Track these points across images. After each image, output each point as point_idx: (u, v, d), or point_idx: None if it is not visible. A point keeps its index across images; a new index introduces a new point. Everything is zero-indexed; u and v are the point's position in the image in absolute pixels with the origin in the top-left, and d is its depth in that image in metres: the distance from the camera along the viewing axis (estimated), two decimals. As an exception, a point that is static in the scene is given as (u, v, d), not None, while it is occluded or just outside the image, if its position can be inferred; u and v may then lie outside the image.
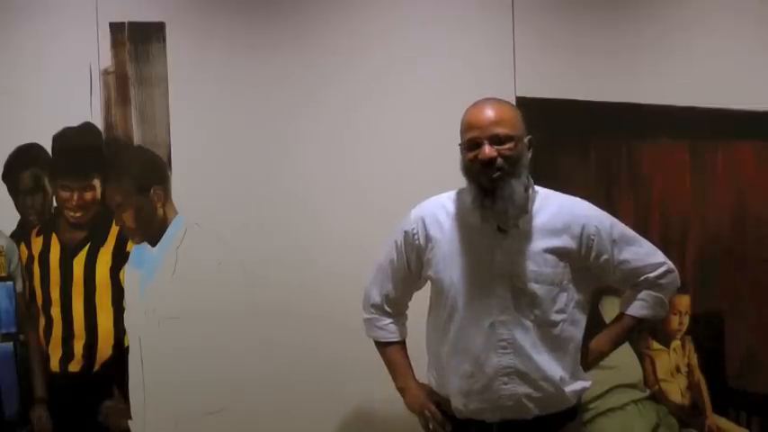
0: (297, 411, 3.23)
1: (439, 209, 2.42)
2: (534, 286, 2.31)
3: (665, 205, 3.49)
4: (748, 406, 3.56)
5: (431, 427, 2.45)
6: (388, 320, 2.55)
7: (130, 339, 3.26)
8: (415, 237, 2.42)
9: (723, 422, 3.54)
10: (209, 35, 3.29)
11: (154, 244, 3.29)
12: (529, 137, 2.36)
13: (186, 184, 3.27)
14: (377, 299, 2.54)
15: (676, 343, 3.52)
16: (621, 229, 2.45)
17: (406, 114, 3.31)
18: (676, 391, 3.51)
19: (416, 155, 3.22)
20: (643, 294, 2.48)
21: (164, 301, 3.24)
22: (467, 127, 2.30)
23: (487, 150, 2.23)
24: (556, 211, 2.36)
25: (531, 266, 2.31)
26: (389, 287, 2.52)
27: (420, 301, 2.57)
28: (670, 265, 2.50)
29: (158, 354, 3.22)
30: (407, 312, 2.62)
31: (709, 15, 3.51)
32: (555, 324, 2.34)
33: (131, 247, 3.29)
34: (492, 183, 2.23)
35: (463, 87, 3.34)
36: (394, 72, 3.33)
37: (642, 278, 2.46)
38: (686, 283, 3.51)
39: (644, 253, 2.47)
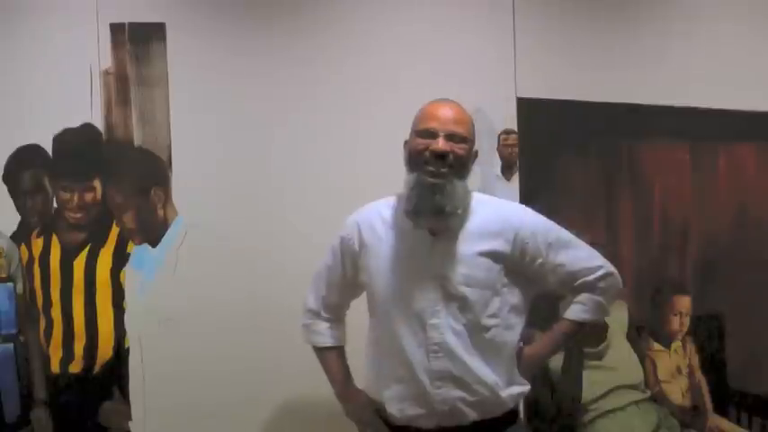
0: (297, 411, 3.23)
1: (374, 214, 2.42)
2: (466, 290, 2.28)
3: (665, 205, 3.49)
4: (749, 407, 3.56)
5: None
6: (325, 325, 2.54)
7: (131, 340, 3.26)
8: (351, 242, 2.42)
9: (724, 423, 3.54)
10: (209, 35, 3.30)
11: (154, 245, 3.28)
12: (476, 149, 2.38)
13: (186, 185, 3.27)
14: (313, 304, 2.54)
15: (677, 344, 3.52)
16: (558, 232, 2.41)
17: (406, 115, 3.30)
18: (677, 391, 3.51)
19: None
20: (582, 297, 2.42)
21: (164, 301, 3.24)
22: (426, 116, 2.31)
23: (442, 143, 2.24)
24: (490, 215, 2.35)
25: (462, 270, 2.29)
26: (326, 292, 2.52)
27: (362, 309, 2.54)
28: (610, 268, 2.43)
29: (159, 354, 3.22)
30: (352, 321, 2.60)
31: (709, 16, 3.52)
32: (487, 329, 2.31)
33: (132, 247, 3.28)
34: (436, 177, 2.23)
35: (463, 88, 3.34)
36: (394, 72, 3.33)
37: (580, 281, 2.40)
38: (687, 284, 3.52)
39: (581, 256, 2.41)
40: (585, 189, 3.44)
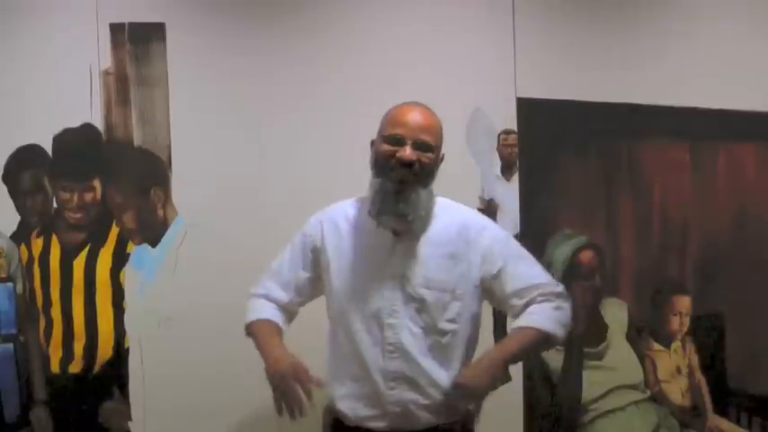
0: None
1: (338, 213, 2.41)
2: (424, 291, 2.27)
3: (665, 205, 3.49)
4: (749, 407, 3.55)
5: (283, 404, 2.28)
6: (270, 305, 2.47)
7: (131, 340, 3.26)
8: (313, 240, 2.41)
9: (724, 423, 3.53)
10: (209, 35, 3.30)
11: (154, 245, 3.29)
12: (443, 153, 2.35)
13: (186, 185, 3.27)
14: (263, 290, 2.49)
15: (677, 344, 3.52)
16: (518, 245, 2.40)
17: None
18: (677, 392, 3.51)
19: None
20: (542, 308, 2.32)
21: (164, 301, 3.24)
22: (394, 122, 2.28)
23: (409, 152, 2.21)
24: (453, 220, 2.34)
25: (422, 271, 2.28)
26: (278, 286, 2.47)
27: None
28: (566, 294, 2.38)
29: (158, 354, 3.23)
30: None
31: (709, 16, 3.51)
32: (444, 333, 2.29)
33: (131, 248, 3.29)
34: (400, 184, 2.21)
35: (463, 88, 3.36)
36: (394, 72, 3.33)
37: (539, 293, 2.32)
38: (687, 284, 3.52)
39: (540, 272, 2.38)
40: (585, 189, 3.44)
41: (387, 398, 2.27)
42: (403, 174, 2.21)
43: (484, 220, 2.42)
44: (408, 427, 2.28)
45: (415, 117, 2.26)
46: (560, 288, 2.37)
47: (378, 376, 2.27)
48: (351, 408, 2.32)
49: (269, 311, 2.46)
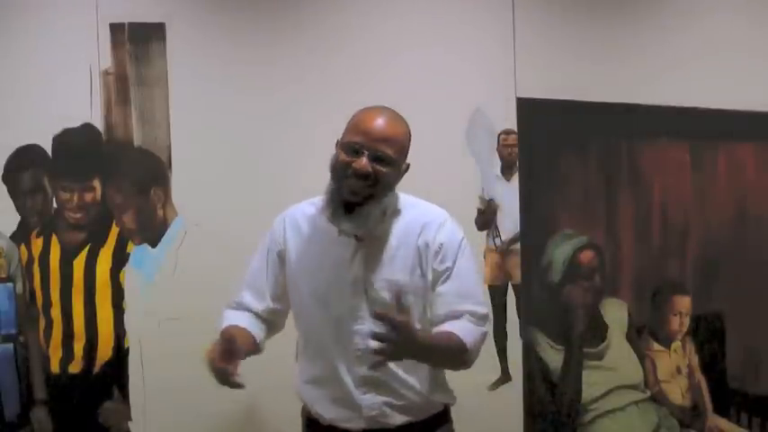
0: (297, 412, 3.23)
1: (300, 213, 2.33)
2: (387, 294, 2.17)
3: (665, 205, 3.49)
4: (749, 407, 3.55)
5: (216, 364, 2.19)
6: (244, 314, 2.35)
7: (131, 340, 3.26)
8: (278, 242, 2.33)
9: (724, 423, 3.54)
10: (208, 35, 3.30)
11: (154, 245, 3.29)
12: (408, 163, 2.24)
13: (186, 185, 3.27)
14: (237, 299, 2.39)
15: (677, 344, 3.52)
16: (469, 253, 2.25)
17: (408, 115, 3.30)
18: (677, 392, 3.51)
19: (416, 154, 3.21)
20: (466, 322, 2.19)
21: (164, 302, 3.24)
22: (354, 129, 2.16)
23: (364, 163, 2.10)
24: (414, 220, 2.24)
25: (384, 275, 2.20)
26: (253, 292, 2.37)
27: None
28: (488, 318, 2.26)
29: (158, 355, 3.22)
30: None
31: (709, 16, 3.51)
32: None
33: (131, 247, 3.29)
34: (354, 193, 2.12)
35: (463, 88, 3.36)
36: (394, 73, 3.33)
37: (468, 311, 2.19)
38: (686, 284, 3.52)
39: (477, 289, 2.26)
40: (585, 189, 3.44)
41: (360, 402, 2.23)
42: (357, 186, 2.11)
43: (443, 218, 2.27)
44: (384, 426, 2.25)
45: (376, 126, 2.13)
46: (485, 311, 2.24)
47: (349, 380, 2.23)
48: (325, 410, 2.28)
49: (241, 319, 2.34)
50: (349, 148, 2.14)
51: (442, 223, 2.24)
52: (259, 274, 2.36)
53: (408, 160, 2.26)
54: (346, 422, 2.25)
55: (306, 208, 2.33)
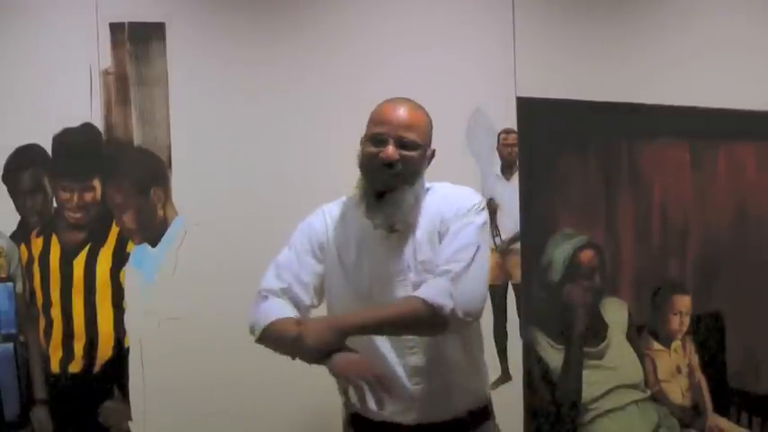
0: (297, 412, 3.23)
1: (338, 208, 2.35)
2: (424, 276, 2.17)
3: (665, 205, 3.49)
4: (749, 406, 3.56)
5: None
6: (292, 308, 2.25)
7: (131, 340, 3.26)
8: (318, 234, 2.32)
9: (724, 423, 3.54)
10: (209, 35, 3.30)
11: (154, 245, 3.29)
12: (433, 149, 2.28)
13: (186, 185, 3.27)
14: (282, 284, 2.29)
15: (677, 343, 3.52)
16: (469, 225, 2.19)
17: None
18: (677, 391, 3.51)
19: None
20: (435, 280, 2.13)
21: (164, 301, 3.24)
22: (377, 121, 2.22)
23: (391, 151, 2.15)
24: (441, 206, 2.24)
25: (421, 258, 2.20)
26: (300, 286, 2.29)
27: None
28: (449, 301, 2.09)
29: (159, 354, 3.22)
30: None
31: (709, 15, 3.52)
32: None
33: (131, 247, 3.29)
34: (385, 184, 2.17)
35: (463, 88, 3.36)
36: (394, 73, 3.33)
37: (444, 268, 2.14)
38: (687, 284, 3.52)
39: (463, 251, 2.15)
40: (585, 189, 3.44)
41: (412, 392, 2.23)
42: (387, 175, 2.16)
43: (468, 201, 2.24)
44: (436, 419, 2.24)
45: (398, 114, 2.20)
46: (460, 268, 2.14)
47: (400, 371, 2.23)
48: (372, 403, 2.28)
49: (291, 311, 2.24)
50: (374, 139, 2.19)
51: (465, 203, 2.23)
52: (301, 267, 2.30)
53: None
54: (397, 415, 2.23)
55: (343, 203, 2.35)
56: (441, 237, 2.19)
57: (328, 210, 2.37)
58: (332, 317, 2.21)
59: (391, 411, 2.23)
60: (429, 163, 2.27)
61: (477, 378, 2.32)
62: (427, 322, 2.09)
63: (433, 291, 2.09)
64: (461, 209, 2.21)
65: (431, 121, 2.27)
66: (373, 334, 2.16)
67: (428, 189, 2.28)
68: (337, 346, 2.06)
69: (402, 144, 2.17)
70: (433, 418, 2.24)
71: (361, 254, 2.26)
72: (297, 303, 2.26)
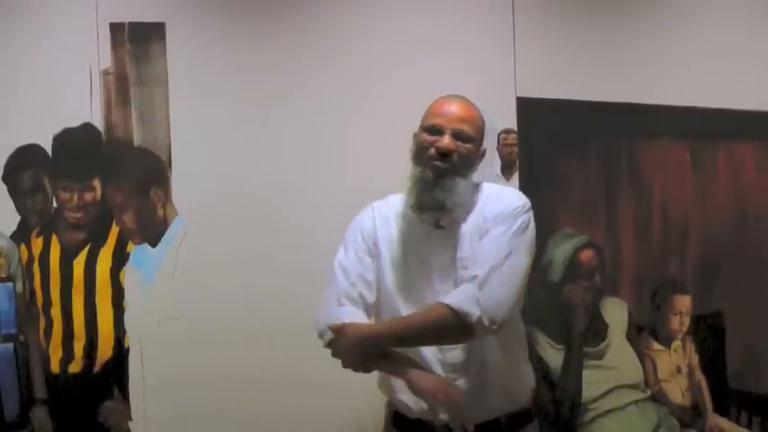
0: (297, 411, 3.23)
1: (386, 205, 2.38)
2: (464, 273, 2.19)
3: (665, 205, 3.49)
4: (749, 406, 3.55)
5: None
6: (357, 310, 2.27)
7: (131, 340, 3.26)
8: (369, 232, 2.35)
9: (724, 423, 3.53)
10: (209, 35, 3.30)
11: (154, 244, 3.29)
12: (484, 147, 2.33)
13: (186, 185, 3.27)
14: (353, 290, 2.30)
15: (677, 343, 3.52)
16: (510, 230, 2.21)
17: (407, 115, 3.30)
18: (677, 391, 3.51)
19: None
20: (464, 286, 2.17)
21: (164, 301, 3.24)
22: (434, 113, 2.28)
23: (447, 141, 2.21)
24: (485, 201, 2.28)
25: (463, 255, 2.23)
26: (366, 286, 2.31)
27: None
28: (476, 308, 2.12)
29: (158, 354, 3.23)
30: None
31: (709, 15, 3.51)
32: None
33: (131, 247, 3.29)
34: (438, 171, 2.21)
35: (463, 88, 3.33)
36: (394, 73, 3.34)
37: (473, 273, 2.17)
38: (687, 284, 3.52)
39: (494, 256, 2.17)
40: (585, 189, 3.44)
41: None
42: (440, 164, 2.21)
43: (511, 204, 2.26)
44: (474, 420, 2.24)
45: (454, 108, 2.27)
46: (485, 273, 2.16)
47: (438, 368, 2.23)
48: (414, 400, 2.26)
49: (360, 316, 2.27)
50: (431, 129, 2.24)
51: (505, 197, 2.28)
52: (363, 266, 2.33)
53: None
54: (435, 414, 2.24)
55: (391, 200, 2.38)
56: (482, 236, 2.22)
57: (377, 206, 2.40)
58: (366, 326, 2.23)
59: (425, 410, 2.24)
60: (480, 161, 2.30)
61: (516, 380, 2.32)
62: (453, 329, 2.12)
63: (460, 297, 2.12)
64: (504, 210, 2.24)
65: (484, 121, 2.32)
66: (403, 344, 2.18)
67: (477, 186, 2.31)
68: (371, 358, 2.17)
69: (457, 136, 2.22)
70: (470, 418, 2.24)
71: (407, 249, 2.29)
72: (365, 305, 2.31)
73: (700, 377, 3.53)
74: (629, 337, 3.48)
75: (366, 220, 2.38)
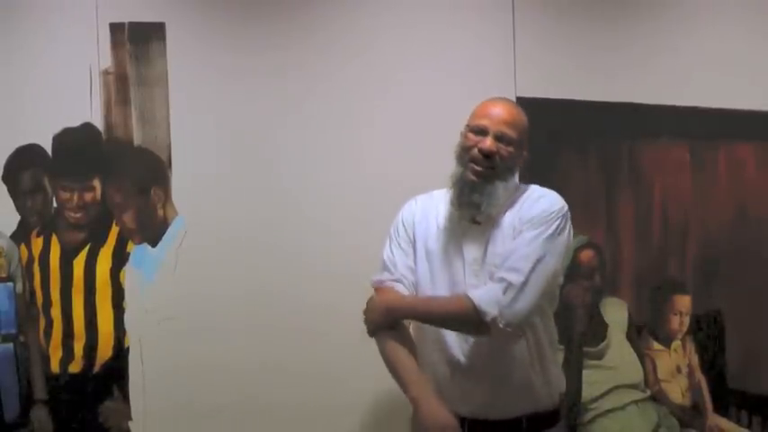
0: (297, 411, 3.23)
1: (428, 199, 2.44)
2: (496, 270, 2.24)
3: (666, 205, 3.49)
4: (749, 406, 3.55)
5: None
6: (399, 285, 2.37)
7: (131, 340, 3.26)
8: (408, 225, 2.42)
9: (724, 423, 3.53)
10: (209, 35, 3.30)
11: (154, 244, 3.29)
12: (526, 153, 2.38)
13: (186, 185, 3.27)
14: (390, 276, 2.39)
15: (677, 343, 3.52)
16: (543, 240, 2.25)
17: (406, 114, 3.31)
18: (677, 391, 3.51)
19: (416, 154, 3.22)
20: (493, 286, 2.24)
21: (164, 301, 3.24)
22: (479, 114, 2.33)
23: (489, 143, 2.26)
24: (524, 202, 2.33)
25: (496, 251, 2.27)
26: (406, 271, 2.38)
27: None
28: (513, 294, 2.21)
29: (158, 354, 3.22)
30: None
31: (709, 15, 3.51)
32: None
33: (131, 247, 3.29)
34: (478, 174, 2.26)
35: (463, 88, 3.35)
36: (395, 73, 3.34)
37: (500, 275, 2.23)
38: (687, 284, 3.52)
39: (524, 261, 2.22)
40: (585, 189, 3.44)
41: (473, 386, 2.27)
42: (481, 166, 2.26)
43: (548, 208, 2.31)
44: (492, 416, 2.28)
45: (499, 110, 2.32)
46: (518, 281, 2.21)
47: (459, 354, 2.28)
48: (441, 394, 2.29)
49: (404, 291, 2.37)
50: (475, 129, 2.30)
51: (544, 201, 2.33)
52: (407, 256, 2.40)
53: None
54: (462, 407, 2.27)
55: (435, 194, 2.44)
56: (516, 236, 2.27)
57: (421, 199, 2.47)
58: (391, 296, 2.34)
59: (449, 402, 2.25)
60: (521, 164, 2.36)
61: (543, 380, 2.34)
62: (470, 323, 2.21)
63: (483, 295, 2.20)
64: (541, 213, 2.29)
65: (528, 126, 2.38)
66: (421, 321, 2.32)
67: (518, 187, 2.36)
68: (387, 324, 2.31)
69: (500, 138, 2.27)
70: (489, 414, 2.28)
71: (444, 241, 2.34)
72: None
73: (700, 377, 3.53)
74: (629, 337, 3.48)
75: (407, 211, 2.45)
